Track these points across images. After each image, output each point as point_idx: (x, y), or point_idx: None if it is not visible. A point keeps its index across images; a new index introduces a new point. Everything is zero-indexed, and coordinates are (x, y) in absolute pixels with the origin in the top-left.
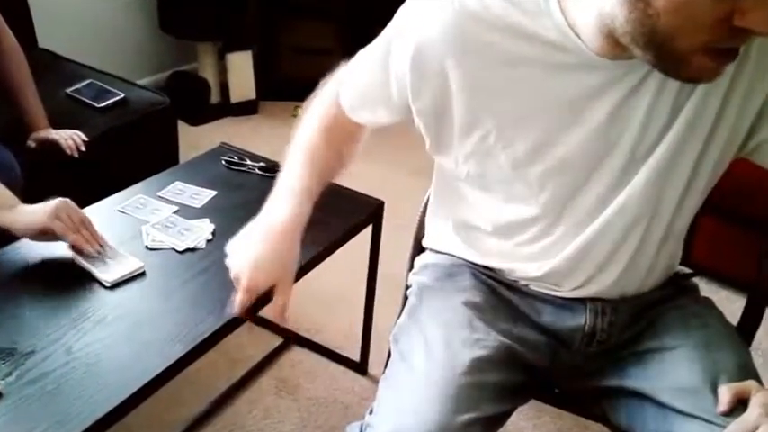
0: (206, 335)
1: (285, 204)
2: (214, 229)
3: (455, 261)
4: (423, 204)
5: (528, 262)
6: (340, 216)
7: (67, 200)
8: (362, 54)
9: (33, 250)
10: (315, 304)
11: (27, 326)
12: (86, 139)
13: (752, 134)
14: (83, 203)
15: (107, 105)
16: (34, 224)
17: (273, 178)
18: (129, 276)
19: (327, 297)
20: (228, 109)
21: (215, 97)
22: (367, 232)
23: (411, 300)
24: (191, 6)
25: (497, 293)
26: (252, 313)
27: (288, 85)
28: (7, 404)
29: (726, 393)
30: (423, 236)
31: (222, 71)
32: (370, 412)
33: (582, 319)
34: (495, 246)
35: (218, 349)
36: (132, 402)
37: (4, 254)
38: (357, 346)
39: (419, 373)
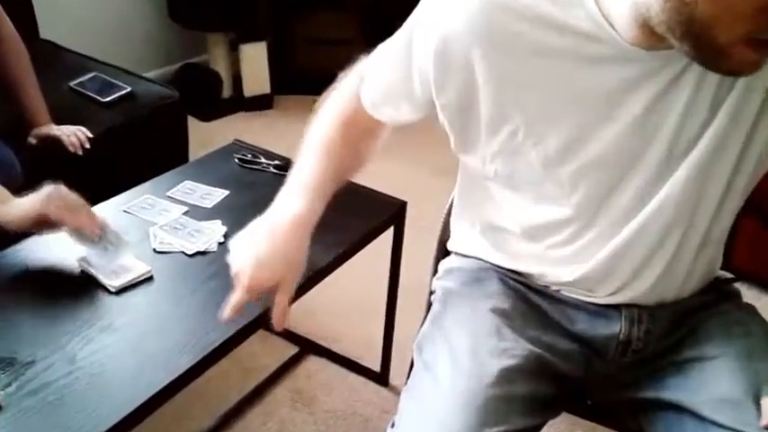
0: (217, 344)
1: (296, 201)
2: (226, 231)
3: (482, 265)
4: (447, 205)
5: (560, 266)
6: (360, 217)
7: (60, 185)
8: (383, 47)
9: (35, 253)
10: (332, 311)
11: (28, 333)
12: (90, 135)
13: None
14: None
15: (112, 100)
16: (28, 214)
17: None
18: (135, 281)
19: (346, 303)
20: (241, 103)
21: (227, 91)
22: (388, 235)
23: (435, 306)
24: None
25: (527, 299)
26: (266, 320)
27: (304, 77)
28: (6, 417)
29: None
30: (447, 238)
31: (235, 63)
32: (392, 426)
33: (617, 327)
34: (525, 249)
35: (229, 359)
36: (138, 416)
37: (3, 257)
38: (377, 355)
39: (444, 385)
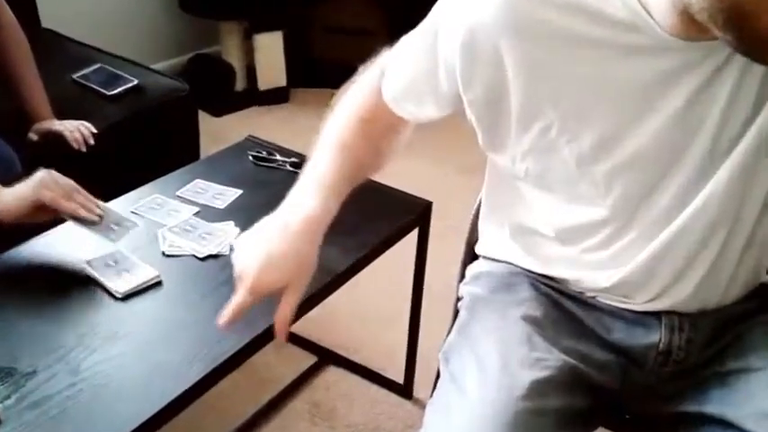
0: (230, 353)
1: (308, 200)
2: (239, 233)
3: (512, 270)
4: (475, 206)
5: (595, 270)
6: (382, 218)
7: (51, 170)
8: (407, 39)
9: (36, 256)
10: (353, 319)
11: (28, 342)
12: (95, 130)
13: None
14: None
15: (118, 93)
16: (22, 202)
17: None
18: (143, 287)
19: (367, 310)
20: (256, 97)
21: (240, 84)
22: (412, 237)
23: (462, 314)
24: None
25: (560, 306)
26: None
27: (323, 69)
28: (6, 431)
29: None
30: (475, 241)
31: (249, 54)
32: None
33: (656, 336)
34: (558, 252)
35: (243, 370)
36: (146, 430)
37: (3, 259)
38: (401, 365)
39: (472, 397)
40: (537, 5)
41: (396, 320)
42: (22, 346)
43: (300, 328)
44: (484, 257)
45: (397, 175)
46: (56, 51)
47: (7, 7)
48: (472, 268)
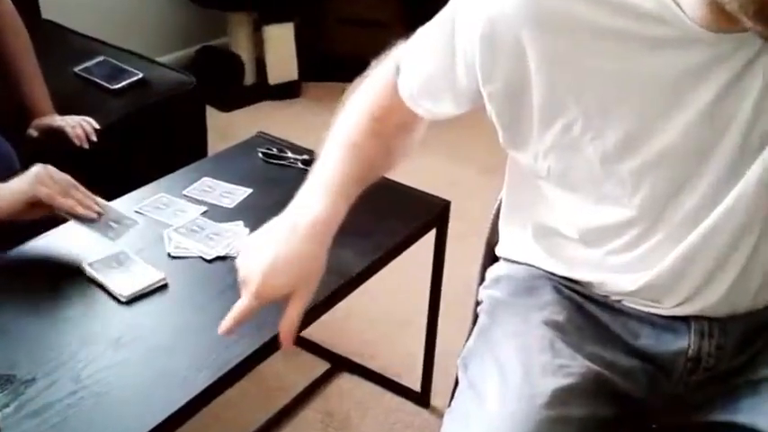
0: (238, 360)
1: (316, 201)
2: (249, 234)
3: (534, 272)
4: (495, 206)
5: (621, 273)
6: (398, 218)
7: (48, 165)
8: (423, 31)
9: (35, 257)
10: (367, 323)
11: (28, 348)
12: (98, 126)
13: None
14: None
15: (122, 87)
16: (17, 197)
17: None
18: (147, 290)
19: (382, 315)
20: (266, 91)
21: (250, 78)
22: (429, 238)
23: (482, 318)
24: None
25: (584, 311)
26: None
27: (336, 63)
28: None
29: None
30: (495, 243)
31: (258, 46)
32: None
33: (685, 342)
34: (583, 255)
35: (252, 377)
36: None
37: (1, 261)
38: (418, 372)
39: (492, 406)
40: None
41: (412, 325)
42: (21, 352)
43: (312, 333)
44: (504, 260)
45: (414, 173)
46: (57, 43)
47: None
48: (492, 271)
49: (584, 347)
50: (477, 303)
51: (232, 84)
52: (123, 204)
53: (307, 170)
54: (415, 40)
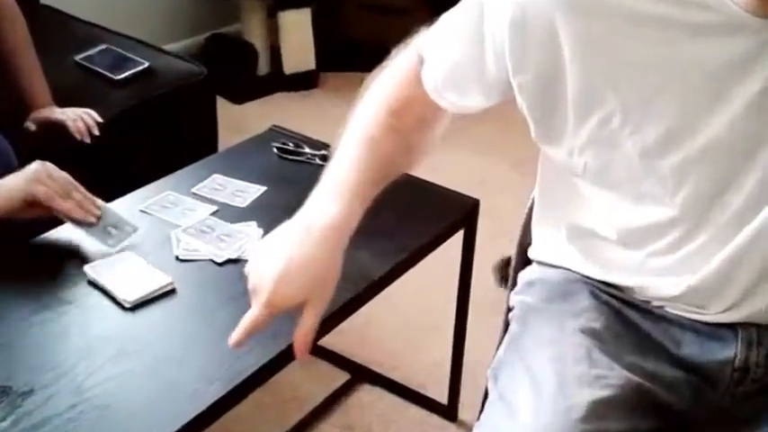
0: (251, 371)
1: (330, 203)
2: (263, 235)
3: (569, 276)
4: (528, 205)
5: (662, 277)
6: (423, 219)
7: (47, 162)
8: (448, 18)
9: (33, 260)
10: (390, 331)
11: (25, 357)
12: (100, 119)
13: None
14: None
15: (127, 77)
16: (14, 195)
17: None
18: (154, 295)
19: (406, 322)
20: (281, 82)
21: (264, 67)
22: (457, 240)
23: (513, 326)
24: None
25: (623, 317)
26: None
27: (356, 51)
28: None
29: None
30: (528, 245)
31: (273, 34)
32: None
33: (732, 351)
34: (621, 257)
35: (266, 389)
36: None
37: None
38: (444, 384)
39: (524, 420)
40: None
41: (438, 333)
42: (18, 362)
43: (331, 341)
44: (538, 263)
45: (440, 169)
46: (56, 30)
47: None
48: (525, 275)
49: (622, 357)
50: (509, 310)
51: (244, 74)
52: (127, 203)
53: (324, 166)
54: (439, 27)
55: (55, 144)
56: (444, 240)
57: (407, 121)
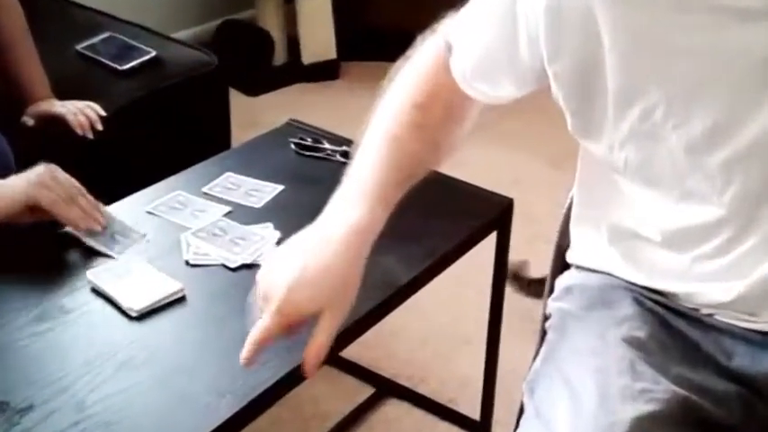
0: (268, 384)
1: (351, 208)
2: (280, 238)
3: (611, 282)
4: (566, 205)
5: (711, 282)
6: (453, 220)
7: (53, 165)
8: (478, 2)
9: (33, 264)
10: (417, 342)
11: (24, 370)
12: (104, 113)
13: None
14: (99, 202)
15: (132, 67)
16: (16, 199)
17: None
18: (162, 303)
19: (435, 332)
20: (299, 72)
21: (280, 56)
22: (490, 242)
23: (551, 335)
24: None
25: (669, 326)
26: (333, 354)
27: (380, 40)
28: None
29: None
30: (566, 248)
31: (290, 21)
32: None
33: None
34: (666, 260)
35: (285, 404)
36: None
37: None
38: (477, 398)
39: None
40: None
41: (470, 344)
42: (16, 376)
43: (354, 353)
44: (577, 267)
45: (471, 166)
46: (56, 17)
47: None
48: (563, 280)
49: (669, 369)
50: (546, 317)
51: (259, 63)
52: (133, 204)
53: (346, 164)
54: (467, 12)
55: (54, 140)
56: (476, 243)
57: (434, 116)
